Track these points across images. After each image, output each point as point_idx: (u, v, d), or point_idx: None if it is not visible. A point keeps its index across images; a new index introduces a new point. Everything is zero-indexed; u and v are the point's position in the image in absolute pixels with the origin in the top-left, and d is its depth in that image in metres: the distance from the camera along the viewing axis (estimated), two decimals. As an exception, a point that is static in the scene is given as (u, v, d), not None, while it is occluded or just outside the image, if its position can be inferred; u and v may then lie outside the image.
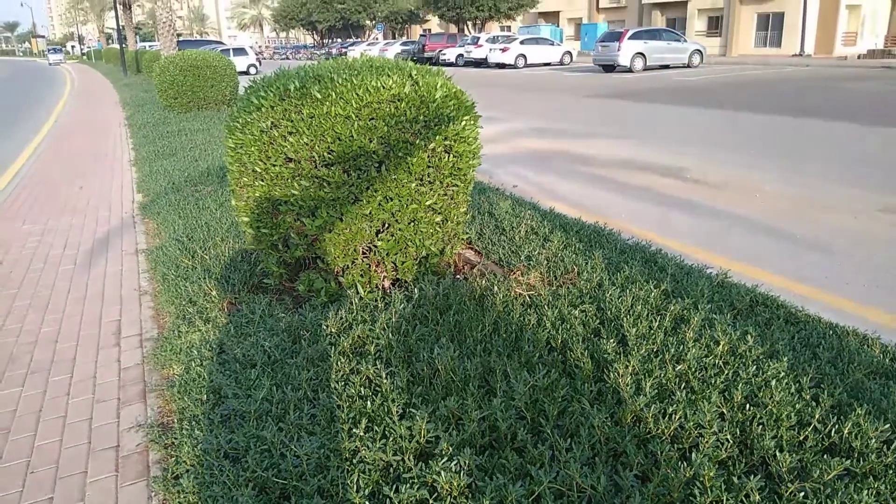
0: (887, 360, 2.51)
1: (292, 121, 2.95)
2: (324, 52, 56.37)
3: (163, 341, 3.13)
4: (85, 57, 74.53)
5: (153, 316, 3.64)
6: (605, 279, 3.28)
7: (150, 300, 3.87)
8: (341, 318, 2.88)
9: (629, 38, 24.73)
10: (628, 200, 5.98)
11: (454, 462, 1.86)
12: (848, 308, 3.55)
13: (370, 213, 3.09)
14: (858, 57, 28.73)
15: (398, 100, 3.03)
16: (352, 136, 2.94)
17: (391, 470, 1.93)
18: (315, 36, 72.04)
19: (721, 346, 2.46)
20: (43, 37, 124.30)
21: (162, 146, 8.62)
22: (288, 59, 61.08)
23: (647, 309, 2.84)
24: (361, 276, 3.25)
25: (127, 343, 3.34)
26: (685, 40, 27.65)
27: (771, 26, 36.47)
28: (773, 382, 2.18)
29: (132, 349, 3.26)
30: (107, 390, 2.88)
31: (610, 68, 25.44)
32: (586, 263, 3.53)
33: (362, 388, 2.30)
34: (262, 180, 3.06)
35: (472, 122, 3.36)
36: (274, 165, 3.00)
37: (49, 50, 67.81)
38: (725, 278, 3.31)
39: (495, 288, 3.13)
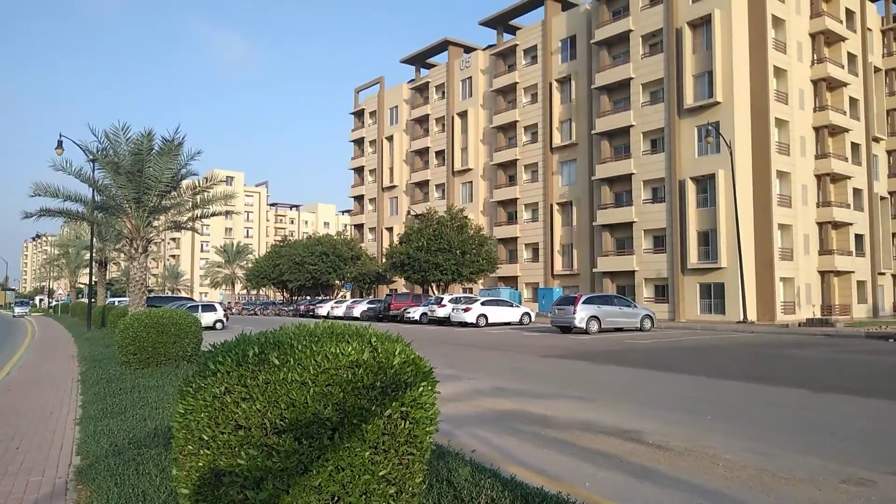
0: None
1: (247, 386, 2.94)
2: (292, 308, 58.24)
3: None
4: (51, 310, 75.65)
5: None
6: (568, 560, 3.06)
7: (64, 584, 3.43)
8: None
9: (583, 303, 26.21)
10: (590, 467, 5.82)
11: None
12: None
13: (319, 484, 2.94)
14: (799, 325, 30.54)
15: (356, 366, 3.07)
16: (306, 403, 2.91)
17: None
18: (285, 293, 74.66)
19: None
20: (13, 290, 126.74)
21: (112, 403, 8.34)
22: (256, 314, 62.58)
23: None
24: (305, 556, 2.97)
25: None
26: (636, 306, 29.43)
27: (713, 295, 39.26)
28: None
29: None
30: None
31: (567, 329, 26.51)
32: (548, 541, 3.32)
33: None
34: (209, 448, 2.94)
35: (430, 388, 3.38)
36: (222, 433, 2.91)
37: (15, 303, 73.54)
38: (695, 559, 3.12)
39: (451, 571, 2.88)
